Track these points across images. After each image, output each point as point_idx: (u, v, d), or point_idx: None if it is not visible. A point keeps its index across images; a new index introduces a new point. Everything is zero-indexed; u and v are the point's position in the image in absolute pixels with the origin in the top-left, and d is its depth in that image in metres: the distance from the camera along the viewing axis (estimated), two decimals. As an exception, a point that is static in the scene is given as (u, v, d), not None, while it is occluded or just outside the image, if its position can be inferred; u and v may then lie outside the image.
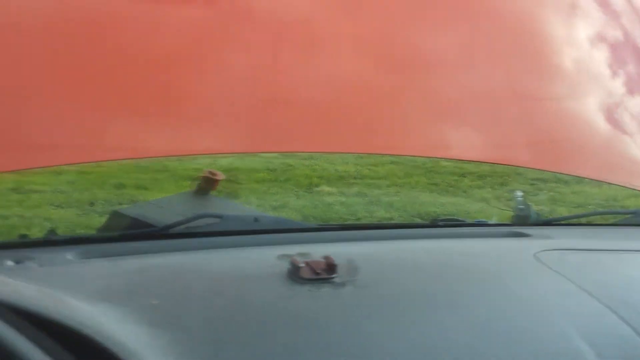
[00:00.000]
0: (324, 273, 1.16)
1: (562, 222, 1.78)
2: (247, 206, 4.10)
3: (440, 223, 1.73)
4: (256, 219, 1.53)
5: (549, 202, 5.78)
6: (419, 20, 2.00)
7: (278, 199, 5.35)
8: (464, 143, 2.03)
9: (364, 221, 4.78)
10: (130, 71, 1.62)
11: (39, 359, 0.57)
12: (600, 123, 2.08)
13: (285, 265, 1.19)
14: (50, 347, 0.61)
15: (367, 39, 1.93)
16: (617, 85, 2.14)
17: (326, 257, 1.19)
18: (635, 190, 2.25)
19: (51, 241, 1.46)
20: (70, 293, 1.02)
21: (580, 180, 6.28)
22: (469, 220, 1.80)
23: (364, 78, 1.92)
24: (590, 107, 2.10)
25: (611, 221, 1.74)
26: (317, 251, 1.27)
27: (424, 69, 1.98)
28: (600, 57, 2.15)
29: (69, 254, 1.30)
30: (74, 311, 0.86)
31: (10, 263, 1.25)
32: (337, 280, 1.15)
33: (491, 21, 2.06)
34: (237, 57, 1.80)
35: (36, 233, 4.07)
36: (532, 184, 6.33)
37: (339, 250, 1.30)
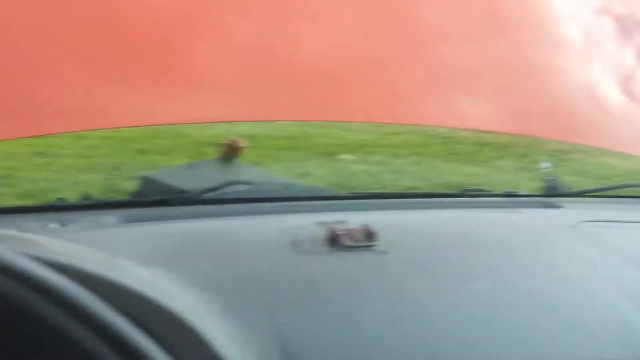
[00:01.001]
0: (364, 240, 1.16)
1: (594, 195, 1.76)
2: (273, 174, 4.10)
3: (470, 193, 1.72)
4: (288, 186, 1.54)
5: (573, 173, 5.74)
6: None
7: (301, 167, 5.35)
8: (480, 113, 2.03)
9: (390, 190, 4.77)
10: (146, 39, 1.63)
11: (106, 318, 0.57)
12: (617, 95, 2.07)
13: (323, 233, 1.20)
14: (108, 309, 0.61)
15: (384, 8, 1.93)
16: (632, 57, 2.12)
17: (365, 225, 1.19)
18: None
19: (90, 205, 1.47)
20: (120, 256, 1.03)
21: (603, 151, 6.25)
22: (498, 191, 1.78)
23: (379, 48, 1.91)
24: (606, 79, 2.09)
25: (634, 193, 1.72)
26: (353, 219, 1.27)
27: (440, 39, 1.97)
28: (612, 29, 2.13)
29: (111, 218, 1.31)
30: (129, 273, 0.86)
31: (54, 225, 1.26)
32: (377, 247, 1.15)
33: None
34: (252, 25, 1.81)
35: (66, 197, 4.09)
36: (554, 155, 6.29)
37: (374, 219, 1.30)
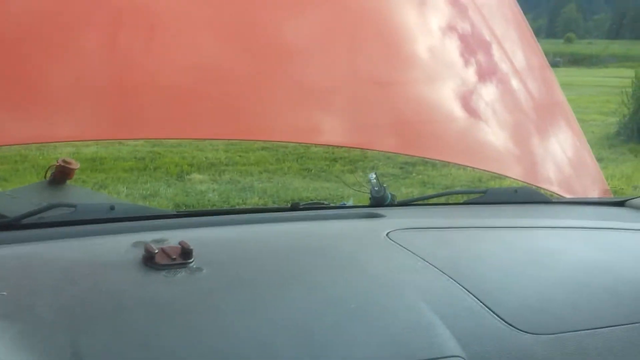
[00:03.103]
0: (180, 258, 1.15)
1: (416, 203, 1.84)
2: (104, 194, 4.00)
3: (301, 206, 1.75)
4: (112, 207, 1.50)
5: (419, 184, 5.97)
6: (280, 7, 2.02)
7: (148, 188, 5.26)
8: (328, 128, 2.07)
9: (236, 207, 4.79)
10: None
11: None
12: (459, 110, 2.18)
13: (140, 252, 1.18)
14: None
15: (230, 25, 1.93)
16: (473, 75, 2.24)
17: (182, 243, 1.18)
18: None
19: None
20: None
21: (447, 163, 6.54)
22: (329, 203, 1.83)
23: (229, 64, 1.91)
24: (449, 95, 2.19)
25: (463, 200, 1.82)
26: (174, 237, 1.26)
27: (286, 55, 2.00)
28: (454, 47, 2.25)
29: None
30: None
31: None
32: (193, 265, 1.15)
33: (348, 9, 2.11)
34: (104, 40, 1.76)
35: None
36: (401, 168, 6.53)
37: (197, 236, 1.30)
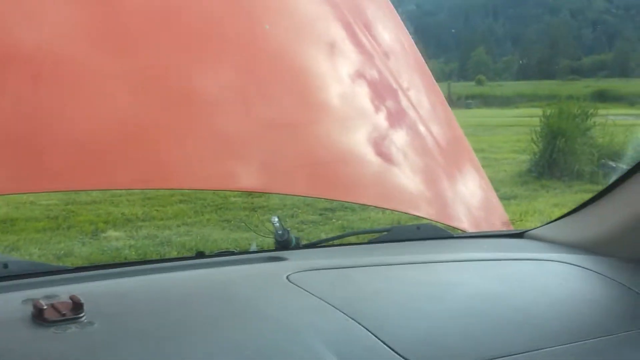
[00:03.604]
0: (70, 313, 1.12)
1: (320, 245, 1.85)
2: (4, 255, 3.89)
3: (206, 254, 1.74)
4: (5, 265, 1.45)
5: (339, 229, 6.00)
6: (191, 55, 2.03)
7: (62, 248, 5.13)
8: (244, 174, 2.07)
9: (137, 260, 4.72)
10: None
11: None
12: (369, 153, 2.22)
13: (29, 309, 1.14)
14: None
15: (141, 74, 1.93)
16: (381, 118, 2.30)
17: (72, 297, 1.15)
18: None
19: None
20: None
21: (365, 207, 6.60)
22: (234, 249, 1.82)
23: (141, 113, 1.90)
24: (360, 139, 2.23)
25: (368, 239, 1.84)
26: (68, 292, 1.22)
27: (199, 103, 2.01)
28: (362, 92, 2.30)
29: None
30: None
31: None
32: (84, 319, 1.12)
33: (260, 58, 2.14)
34: (10, 92, 1.73)
35: None
36: (321, 214, 6.56)
37: (92, 289, 1.27)
